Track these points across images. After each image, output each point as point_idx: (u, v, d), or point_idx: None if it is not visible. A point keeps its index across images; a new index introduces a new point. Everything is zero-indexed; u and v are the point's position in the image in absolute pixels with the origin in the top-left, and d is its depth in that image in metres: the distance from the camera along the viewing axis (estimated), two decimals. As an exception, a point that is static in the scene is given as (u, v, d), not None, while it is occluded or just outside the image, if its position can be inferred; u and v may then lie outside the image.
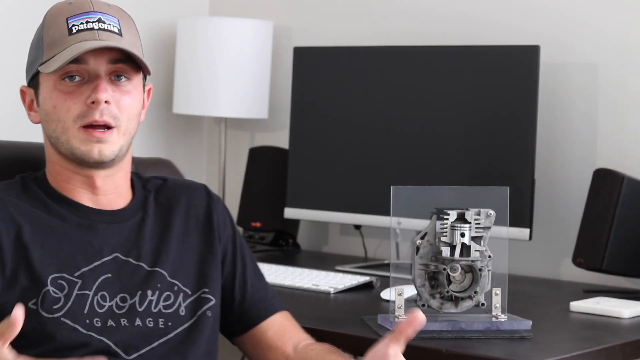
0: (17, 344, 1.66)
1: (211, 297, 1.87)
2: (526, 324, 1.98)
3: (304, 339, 1.96)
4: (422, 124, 2.66)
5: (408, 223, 2.09)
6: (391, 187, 2.01)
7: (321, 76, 2.82)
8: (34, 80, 1.82)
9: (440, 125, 2.64)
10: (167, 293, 1.82)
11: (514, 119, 2.54)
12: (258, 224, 2.99)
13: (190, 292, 1.85)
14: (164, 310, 1.80)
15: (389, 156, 2.70)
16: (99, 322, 1.75)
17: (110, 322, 1.76)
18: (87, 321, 1.74)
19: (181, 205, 1.91)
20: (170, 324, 1.80)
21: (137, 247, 1.82)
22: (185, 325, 1.82)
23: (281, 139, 3.08)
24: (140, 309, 1.78)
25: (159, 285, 1.81)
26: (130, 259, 1.81)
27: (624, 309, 2.19)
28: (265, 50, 3.08)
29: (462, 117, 2.61)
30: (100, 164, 1.79)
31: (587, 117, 2.67)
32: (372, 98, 2.74)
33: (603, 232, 2.40)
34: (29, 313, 1.68)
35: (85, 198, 1.83)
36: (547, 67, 2.64)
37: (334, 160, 2.79)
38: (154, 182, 1.94)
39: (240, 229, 3.06)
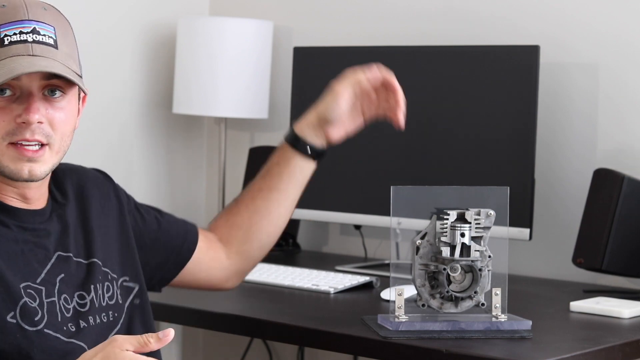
0: None
1: (133, 285, 1.86)
2: (526, 324, 1.98)
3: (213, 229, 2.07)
4: (422, 123, 2.66)
5: (408, 223, 2.10)
6: (391, 187, 2.01)
7: (321, 76, 2.80)
8: None
9: (440, 125, 2.64)
10: (107, 284, 1.80)
11: (514, 119, 2.55)
12: (258, 224, 2.99)
13: (117, 277, 1.84)
14: (109, 302, 1.79)
15: (389, 156, 2.71)
16: (73, 327, 1.72)
17: (83, 324, 1.73)
18: (65, 328, 1.70)
19: (88, 190, 1.87)
20: (116, 314, 1.80)
21: (69, 242, 1.78)
22: (124, 314, 1.82)
23: (281, 139, 3.07)
24: (96, 305, 1.77)
25: (99, 277, 1.79)
26: (71, 254, 1.77)
27: (624, 309, 2.19)
28: (265, 50, 3.08)
29: (462, 117, 2.62)
30: (29, 182, 1.71)
31: (587, 117, 2.67)
32: (372, 98, 2.74)
33: (603, 232, 2.41)
34: (9, 327, 1.64)
35: (16, 202, 1.75)
36: (547, 67, 2.64)
37: (334, 160, 2.79)
38: (63, 170, 1.87)
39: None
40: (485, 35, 2.79)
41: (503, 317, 1.97)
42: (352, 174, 2.76)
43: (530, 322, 1.98)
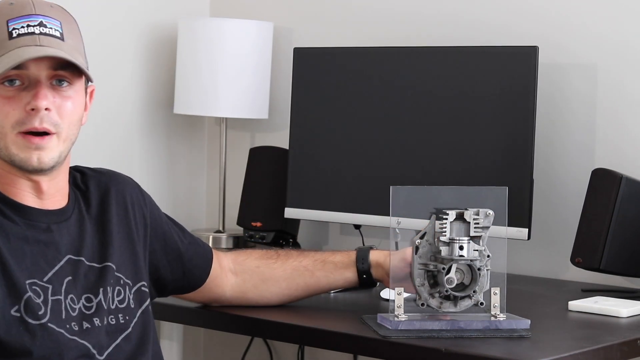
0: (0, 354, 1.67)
1: (147, 290, 1.91)
2: (525, 323, 1.99)
3: (235, 263, 2.14)
4: (421, 124, 2.67)
5: (407, 223, 2.11)
6: (390, 187, 2.02)
7: (321, 77, 2.83)
8: None
9: (439, 125, 2.65)
10: (118, 288, 1.83)
11: (513, 119, 2.55)
12: (258, 224, 3.00)
13: (131, 284, 1.87)
14: (119, 305, 1.83)
15: (388, 156, 2.71)
16: (76, 326, 1.75)
17: (86, 325, 1.76)
18: (68, 326, 1.73)
19: (112, 195, 1.90)
20: (127, 317, 1.83)
21: (84, 246, 1.81)
22: (137, 318, 1.85)
23: (281, 139, 3.09)
24: (105, 308, 1.80)
25: (111, 281, 1.83)
26: (83, 259, 1.80)
27: (622, 308, 2.20)
28: (265, 50, 3.09)
29: (461, 118, 2.62)
30: (40, 171, 1.75)
31: (585, 117, 2.68)
32: (371, 98, 2.75)
33: (601, 231, 2.41)
34: (12, 321, 1.68)
35: (30, 200, 1.78)
36: (546, 68, 2.65)
37: (334, 160, 2.80)
38: (87, 174, 1.92)
39: (240, 229, 3.08)
40: (484, 36, 2.79)
41: (502, 317, 1.98)
42: (352, 174, 2.77)
43: (528, 322, 1.99)
